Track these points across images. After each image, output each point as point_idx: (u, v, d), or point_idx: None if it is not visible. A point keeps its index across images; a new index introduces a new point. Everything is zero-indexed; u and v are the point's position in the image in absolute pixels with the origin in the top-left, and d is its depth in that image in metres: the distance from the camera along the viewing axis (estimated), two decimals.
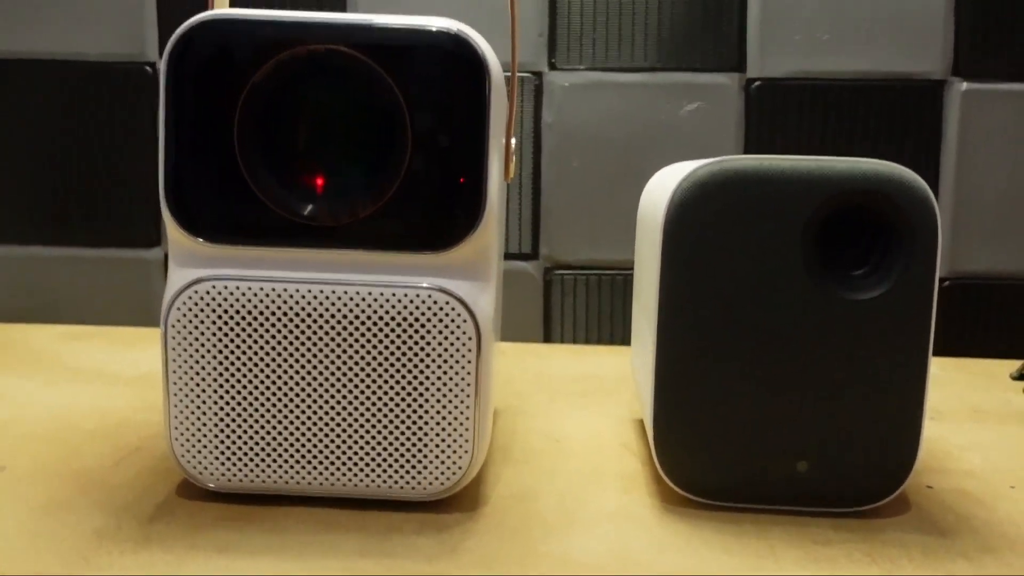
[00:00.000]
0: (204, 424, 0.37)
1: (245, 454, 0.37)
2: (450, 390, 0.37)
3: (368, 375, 0.37)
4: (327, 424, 0.37)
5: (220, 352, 0.37)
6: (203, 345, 0.37)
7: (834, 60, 0.75)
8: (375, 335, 0.36)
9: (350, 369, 0.37)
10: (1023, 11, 0.74)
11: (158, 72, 0.77)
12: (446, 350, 0.36)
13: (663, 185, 0.42)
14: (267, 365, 0.37)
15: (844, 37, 0.75)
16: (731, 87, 0.76)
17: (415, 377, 0.37)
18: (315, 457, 0.37)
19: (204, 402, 0.37)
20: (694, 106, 0.76)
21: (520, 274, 0.78)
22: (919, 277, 0.37)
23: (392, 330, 0.36)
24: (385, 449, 0.37)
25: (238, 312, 0.36)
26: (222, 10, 0.36)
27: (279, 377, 0.37)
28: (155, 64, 0.77)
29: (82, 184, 0.79)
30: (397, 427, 0.37)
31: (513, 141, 0.42)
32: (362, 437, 0.37)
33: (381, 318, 0.36)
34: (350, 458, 0.37)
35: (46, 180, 0.79)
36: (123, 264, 0.80)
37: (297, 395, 0.37)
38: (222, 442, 0.37)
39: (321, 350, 0.36)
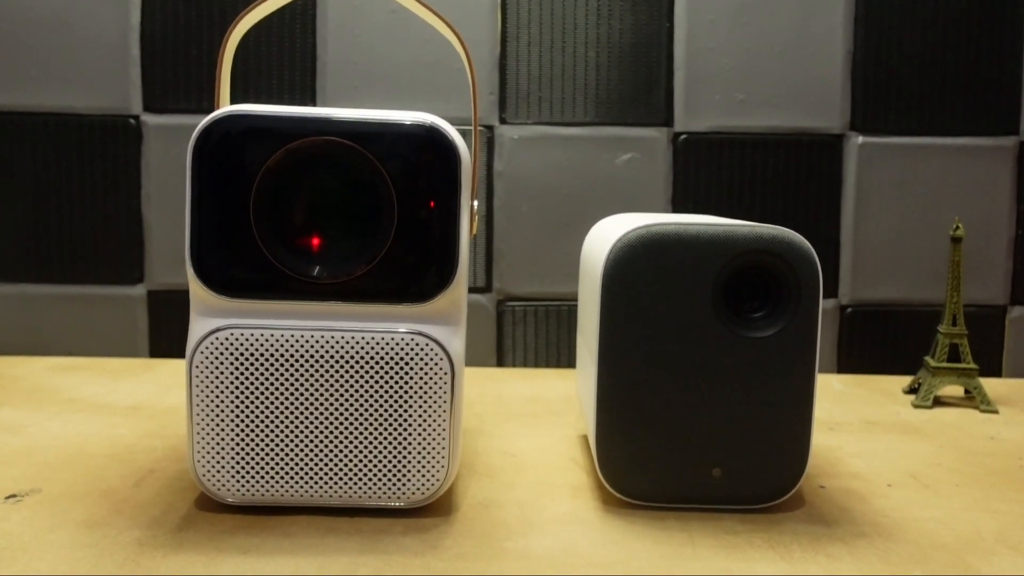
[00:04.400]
0: (223, 448, 0.44)
1: (258, 472, 0.44)
2: (429, 416, 0.44)
3: (361, 405, 0.44)
4: (327, 445, 0.44)
5: (236, 388, 0.44)
6: (222, 382, 0.44)
7: (748, 117, 0.84)
8: (367, 372, 0.44)
9: (347, 400, 0.44)
10: (909, 75, 0.84)
11: (141, 124, 0.83)
12: (426, 383, 0.44)
13: (602, 240, 0.50)
14: (276, 398, 0.44)
15: (757, 98, 0.84)
16: (661, 140, 0.84)
17: (400, 406, 0.44)
18: (317, 473, 0.44)
19: (222, 429, 0.44)
20: (628, 156, 0.84)
21: (476, 306, 0.85)
22: (805, 319, 0.46)
23: (381, 368, 0.44)
24: (376, 465, 0.44)
25: (252, 355, 0.43)
26: (241, 106, 0.43)
27: (286, 408, 0.44)
28: (139, 117, 0.83)
29: (71, 226, 0.84)
30: (386, 447, 0.44)
31: (475, 203, 0.50)
32: (356, 456, 0.44)
33: (372, 358, 0.44)
34: (347, 473, 0.44)
35: (37, 223, 0.84)
36: (108, 300, 0.85)
37: (302, 422, 0.44)
38: (238, 463, 0.44)
39: (322, 385, 0.44)
